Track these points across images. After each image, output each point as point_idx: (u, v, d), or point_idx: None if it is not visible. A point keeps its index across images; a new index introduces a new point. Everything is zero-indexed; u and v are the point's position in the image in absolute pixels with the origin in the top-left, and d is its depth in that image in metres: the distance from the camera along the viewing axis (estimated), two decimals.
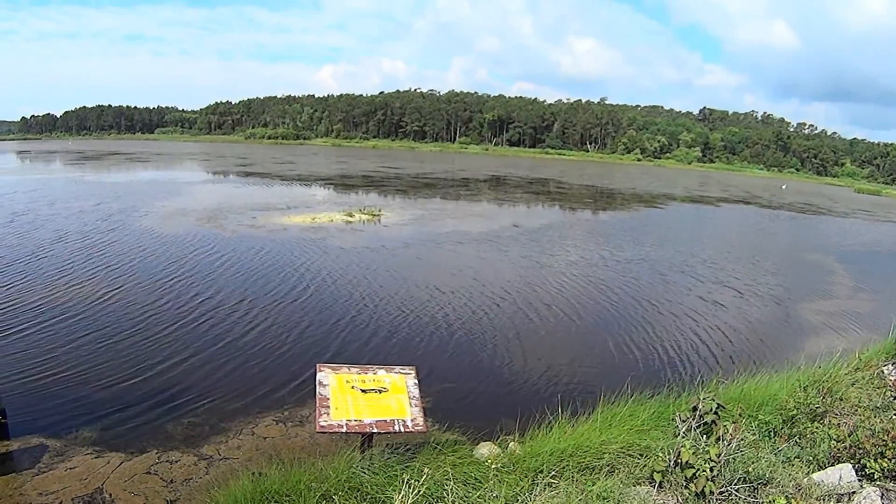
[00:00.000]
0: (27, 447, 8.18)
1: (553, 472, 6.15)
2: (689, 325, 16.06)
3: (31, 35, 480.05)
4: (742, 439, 6.01)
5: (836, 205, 67.70)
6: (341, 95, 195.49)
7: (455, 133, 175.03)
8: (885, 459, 5.90)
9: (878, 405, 7.94)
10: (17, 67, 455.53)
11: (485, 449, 7.40)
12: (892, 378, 9.20)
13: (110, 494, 7.20)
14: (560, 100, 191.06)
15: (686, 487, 5.68)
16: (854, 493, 5.74)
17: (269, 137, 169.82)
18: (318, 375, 6.99)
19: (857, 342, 13.69)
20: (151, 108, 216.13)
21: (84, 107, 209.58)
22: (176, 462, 8.03)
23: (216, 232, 25.26)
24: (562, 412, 7.76)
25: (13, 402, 9.14)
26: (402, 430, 6.80)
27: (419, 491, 5.12)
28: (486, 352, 13.31)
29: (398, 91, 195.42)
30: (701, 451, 5.79)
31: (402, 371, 7.45)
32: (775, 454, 6.50)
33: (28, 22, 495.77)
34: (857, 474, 5.97)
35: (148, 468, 7.82)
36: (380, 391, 7.05)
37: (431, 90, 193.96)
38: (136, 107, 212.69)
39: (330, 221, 29.88)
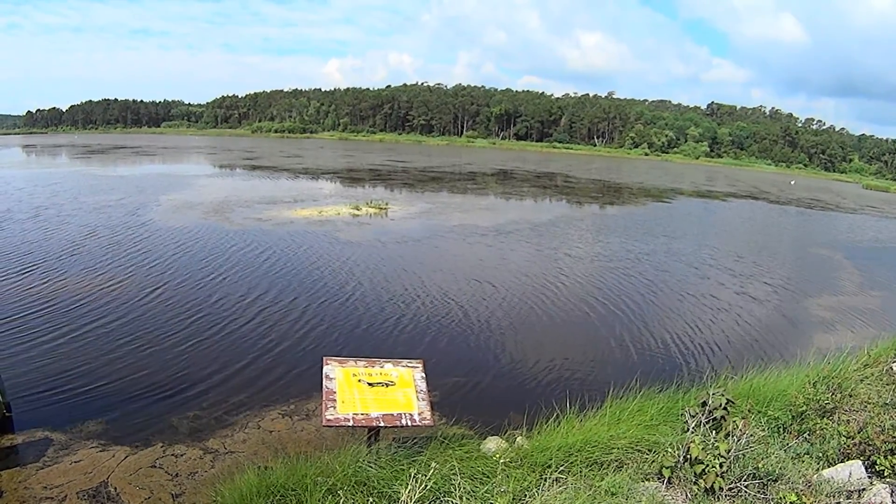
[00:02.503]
0: (32, 440, 8.19)
1: (561, 467, 6.12)
2: (697, 319, 15.99)
3: (36, 29, 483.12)
4: (751, 435, 5.96)
5: (844, 201, 67.33)
6: (348, 89, 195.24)
7: (462, 127, 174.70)
8: (895, 456, 5.85)
9: (888, 401, 7.89)
10: (23, 61, 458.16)
11: (492, 443, 7.38)
12: None
13: (115, 488, 7.19)
14: (567, 94, 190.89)
15: (695, 483, 5.64)
16: (864, 489, 5.70)
17: (276, 131, 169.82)
18: (325, 368, 6.96)
19: (866, 338, 13.60)
20: (158, 101, 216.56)
21: (90, 101, 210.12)
22: (181, 456, 8.02)
23: (224, 226, 25.31)
24: (570, 407, 7.72)
25: (18, 395, 9.19)
26: (409, 423, 6.78)
27: (426, 485, 5.09)
28: (493, 345, 13.27)
29: (405, 85, 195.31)
30: (710, 446, 5.74)
31: (409, 364, 7.43)
32: (785, 450, 6.45)
33: (32, 16, 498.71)
34: (866, 471, 5.93)
35: (153, 462, 7.82)
36: (387, 385, 7.03)
37: (438, 84, 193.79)
38: (142, 101, 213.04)
39: (337, 215, 29.88)
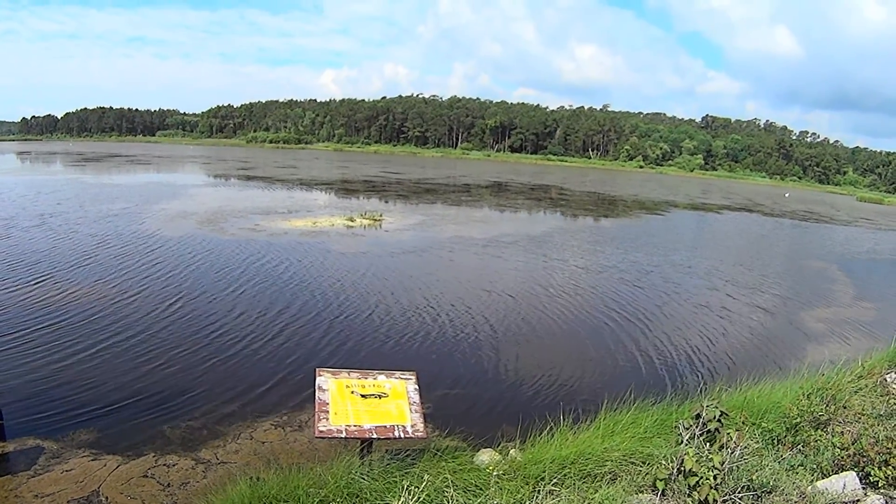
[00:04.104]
0: (23, 449, 8.12)
1: (554, 480, 6.09)
2: (692, 331, 15.99)
3: (32, 35, 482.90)
4: (745, 447, 5.95)
5: (838, 213, 67.71)
6: (343, 100, 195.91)
7: (457, 139, 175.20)
8: (890, 467, 5.85)
9: (882, 413, 7.89)
10: (18, 68, 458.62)
11: (485, 456, 7.35)
12: None
13: (107, 498, 7.14)
14: (562, 106, 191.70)
15: (689, 496, 5.61)
16: (858, 501, 5.69)
17: (271, 141, 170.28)
18: (318, 380, 6.93)
19: (860, 350, 13.60)
20: (153, 110, 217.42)
21: (85, 108, 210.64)
22: (173, 466, 7.96)
23: (217, 236, 25.26)
24: (563, 419, 7.70)
25: (9, 402, 9.11)
26: (402, 435, 6.75)
27: (419, 498, 5.06)
28: (487, 357, 13.22)
29: (400, 96, 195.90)
30: (704, 459, 5.72)
31: (402, 376, 7.40)
32: (779, 462, 6.44)
33: (28, 22, 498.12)
34: (861, 482, 5.91)
35: (145, 471, 7.76)
36: (380, 396, 7.00)
37: (434, 95, 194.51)
38: (137, 109, 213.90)
39: (331, 226, 29.83)
